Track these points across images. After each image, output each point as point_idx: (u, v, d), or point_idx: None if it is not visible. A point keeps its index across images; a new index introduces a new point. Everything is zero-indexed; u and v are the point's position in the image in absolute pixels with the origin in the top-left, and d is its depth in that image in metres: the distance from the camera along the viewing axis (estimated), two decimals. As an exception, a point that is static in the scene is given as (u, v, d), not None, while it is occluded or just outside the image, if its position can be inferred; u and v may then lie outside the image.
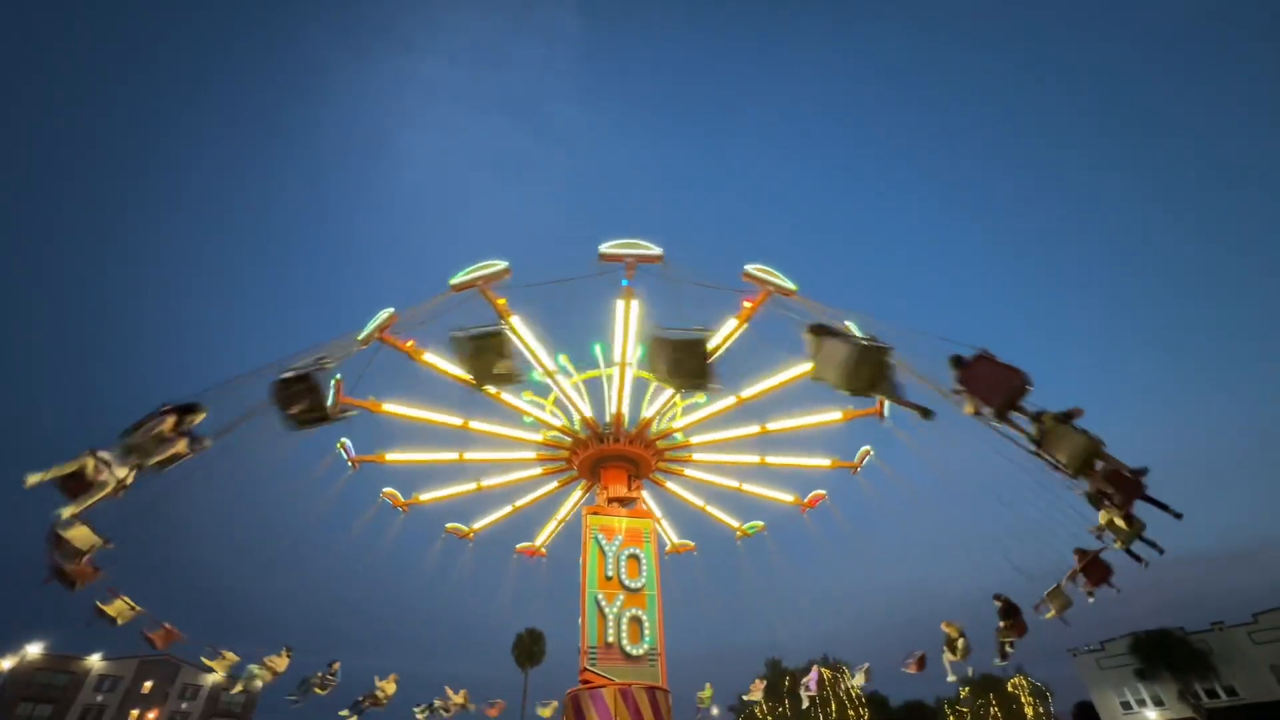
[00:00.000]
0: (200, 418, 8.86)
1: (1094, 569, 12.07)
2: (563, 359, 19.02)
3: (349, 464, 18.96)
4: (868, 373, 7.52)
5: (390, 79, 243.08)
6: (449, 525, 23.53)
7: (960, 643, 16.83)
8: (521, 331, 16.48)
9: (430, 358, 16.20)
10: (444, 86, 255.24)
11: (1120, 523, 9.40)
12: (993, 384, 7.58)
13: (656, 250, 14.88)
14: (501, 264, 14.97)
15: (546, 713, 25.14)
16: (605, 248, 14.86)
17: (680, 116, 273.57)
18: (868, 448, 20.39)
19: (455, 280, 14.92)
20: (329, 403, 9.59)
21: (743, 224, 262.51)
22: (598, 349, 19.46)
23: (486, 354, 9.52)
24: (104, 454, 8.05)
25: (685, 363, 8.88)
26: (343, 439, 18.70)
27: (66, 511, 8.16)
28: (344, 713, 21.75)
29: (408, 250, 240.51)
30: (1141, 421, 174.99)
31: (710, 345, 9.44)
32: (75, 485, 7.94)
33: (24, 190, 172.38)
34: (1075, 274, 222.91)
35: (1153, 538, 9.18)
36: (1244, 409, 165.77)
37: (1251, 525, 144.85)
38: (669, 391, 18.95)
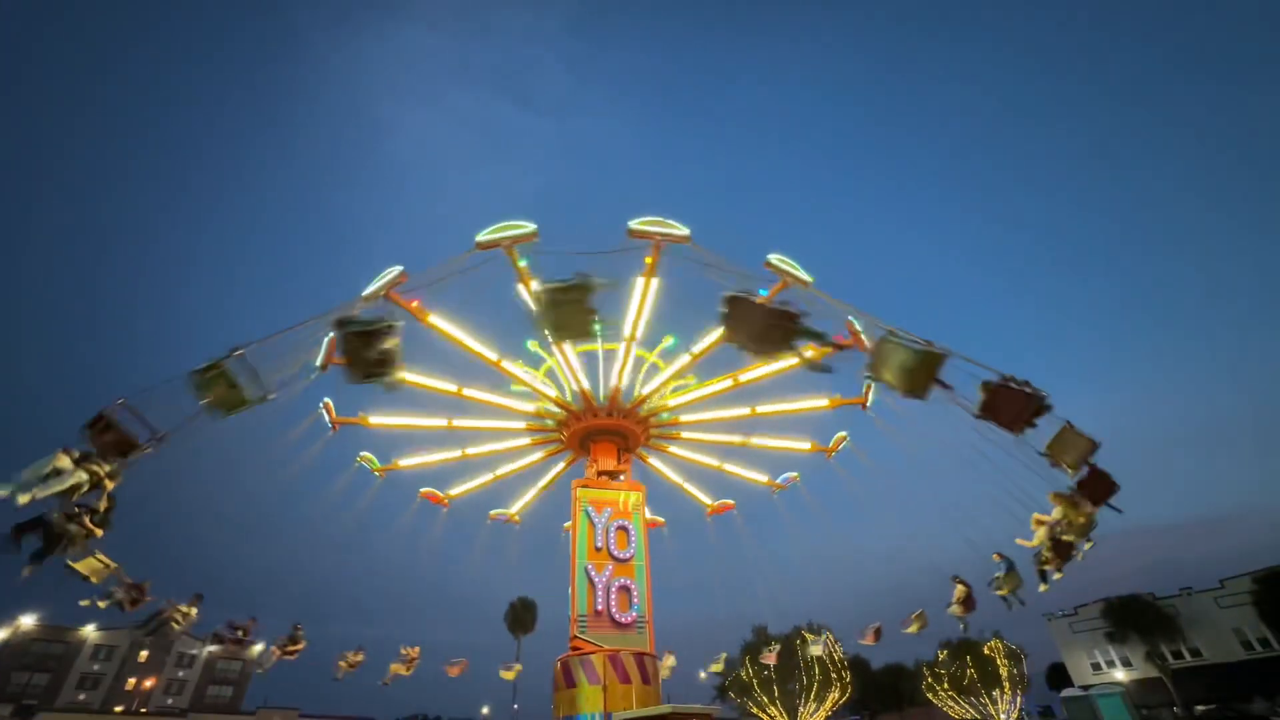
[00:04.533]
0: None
1: (1058, 548, 12.61)
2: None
3: (330, 425, 18.34)
4: (924, 376, 8.10)
5: (370, 45, 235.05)
6: (423, 490, 23.18)
7: (962, 595, 16.97)
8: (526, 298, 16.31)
9: (436, 320, 15.93)
10: (426, 54, 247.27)
11: (1074, 515, 10.41)
12: (1016, 410, 8.37)
13: (684, 231, 14.92)
14: (530, 226, 14.53)
15: (510, 675, 25.70)
16: (635, 224, 14.74)
17: (669, 91, 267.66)
18: (843, 434, 21.04)
19: (481, 237, 14.48)
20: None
21: (729, 200, 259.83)
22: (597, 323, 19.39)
23: (570, 307, 9.27)
24: (76, 452, 8.17)
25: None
26: (326, 399, 18.11)
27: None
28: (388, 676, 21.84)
29: (388, 222, 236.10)
30: (1116, 396, 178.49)
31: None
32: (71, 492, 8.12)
33: (3, 171, 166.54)
34: (1062, 252, 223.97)
35: (1117, 504, 9.69)
36: (1213, 385, 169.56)
37: (1220, 496, 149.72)
38: (667, 371, 19.24)
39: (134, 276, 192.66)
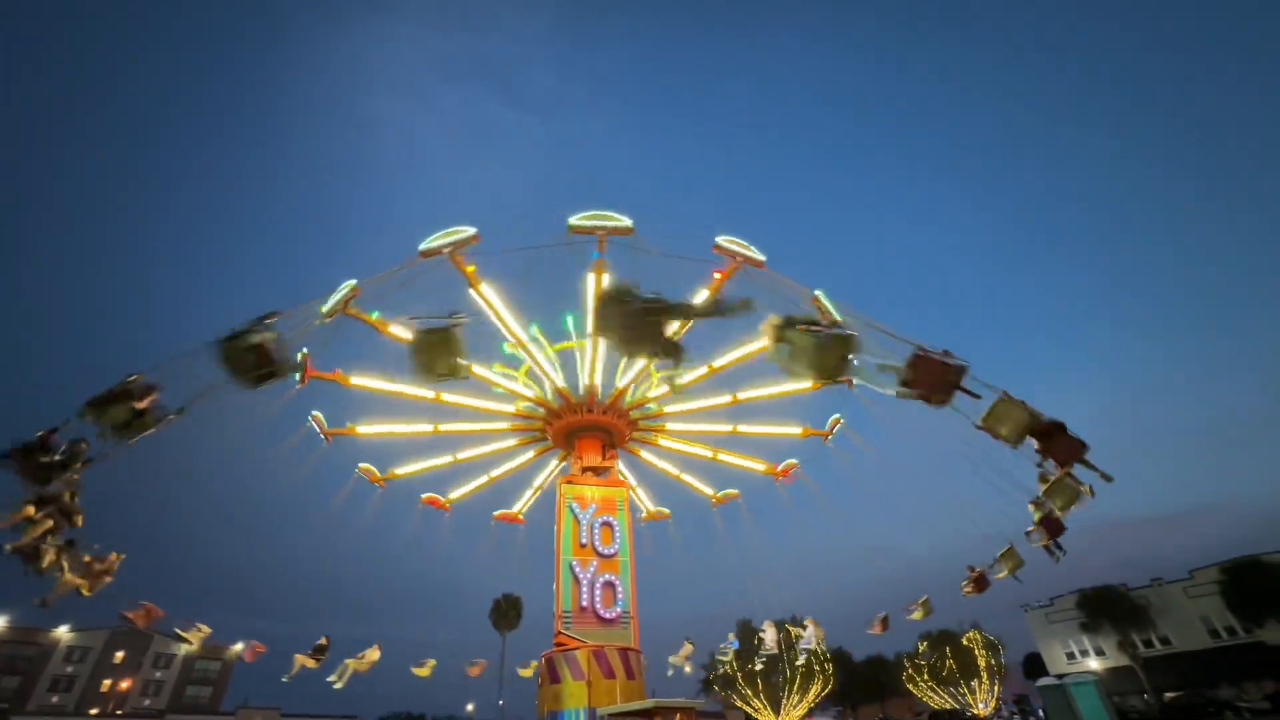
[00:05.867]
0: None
1: (1049, 525, 12.77)
2: (535, 330, 18.92)
3: (322, 437, 18.59)
4: (833, 361, 7.78)
5: (358, 40, 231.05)
6: (424, 496, 23.49)
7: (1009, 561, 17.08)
8: (491, 299, 16.29)
9: (397, 329, 15.92)
10: (415, 50, 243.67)
11: (1067, 481, 10.22)
12: (933, 380, 8.10)
13: (627, 222, 14.93)
14: (470, 230, 14.72)
15: (475, 671, 25.80)
16: (575, 219, 14.82)
17: (658, 89, 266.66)
18: (838, 416, 20.73)
19: (424, 246, 14.61)
20: (282, 359, 9.28)
21: (719, 197, 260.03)
22: (570, 320, 19.38)
23: (436, 348, 9.19)
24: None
25: (640, 328, 8.44)
26: (315, 412, 18.28)
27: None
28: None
29: (374, 218, 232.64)
30: (1091, 395, 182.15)
31: (669, 309, 9.22)
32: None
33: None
34: (1034, 251, 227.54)
35: (1091, 485, 9.85)
36: (1182, 383, 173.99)
37: (1190, 490, 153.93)
38: (642, 362, 19.10)
39: (110, 273, 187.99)
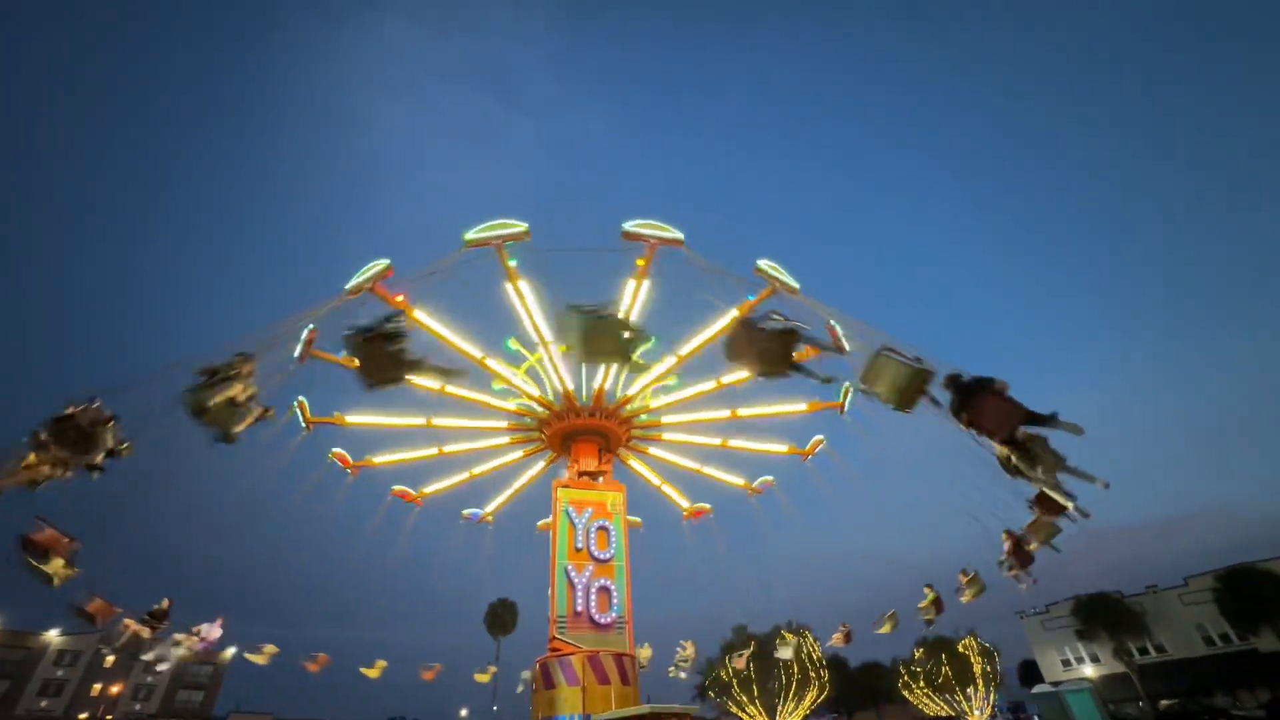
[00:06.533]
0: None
1: (1019, 555, 12.93)
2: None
3: (304, 425, 17.95)
4: (914, 393, 8.05)
5: (350, 40, 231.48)
6: (395, 488, 22.65)
7: (972, 587, 17.31)
8: (527, 297, 16.28)
9: (421, 315, 15.79)
10: (408, 49, 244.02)
11: (1043, 521, 10.59)
12: (1000, 418, 7.86)
13: (678, 234, 15.21)
14: (521, 225, 14.57)
15: (484, 678, 26.05)
16: (629, 226, 14.99)
17: (655, 91, 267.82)
18: (820, 437, 21.45)
19: (471, 235, 14.41)
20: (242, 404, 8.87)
21: (715, 198, 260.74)
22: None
23: (377, 355, 8.66)
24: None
25: (598, 338, 8.91)
26: (300, 397, 17.65)
27: None
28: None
29: (369, 221, 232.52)
30: (1090, 399, 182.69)
31: (620, 320, 9.32)
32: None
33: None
34: (1032, 250, 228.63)
35: (1085, 508, 9.73)
36: (1180, 388, 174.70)
37: (1186, 497, 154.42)
38: (653, 372, 19.34)
39: (102, 273, 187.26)
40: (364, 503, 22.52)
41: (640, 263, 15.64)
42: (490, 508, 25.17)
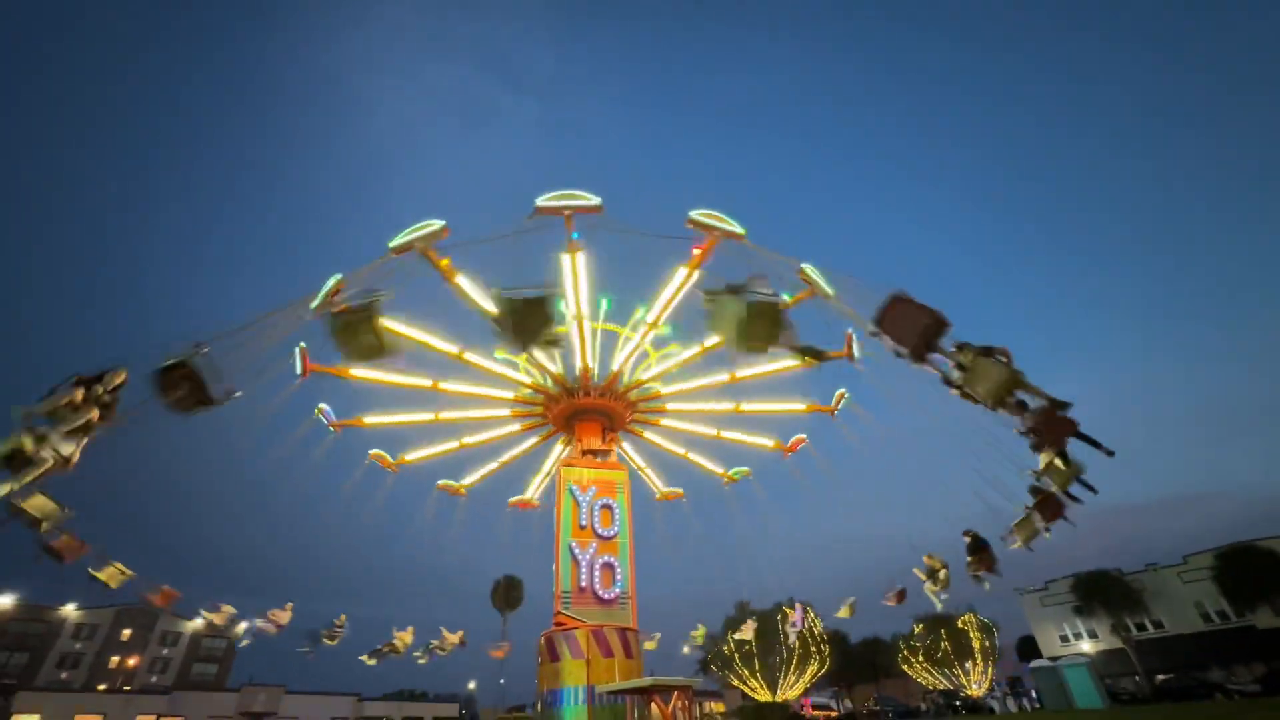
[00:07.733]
0: (119, 379, 8.56)
1: (1047, 506, 12.50)
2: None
3: (330, 428, 18.77)
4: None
5: (348, 17, 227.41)
6: (440, 483, 23.62)
7: (942, 574, 17.48)
8: (468, 290, 15.73)
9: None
10: (406, 27, 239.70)
11: (1059, 464, 9.44)
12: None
13: (595, 201, 14.32)
14: (438, 223, 14.12)
15: (499, 654, 26.80)
16: (542, 200, 14.26)
17: (656, 72, 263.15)
18: (843, 390, 20.42)
19: (393, 243, 14.05)
20: (216, 386, 8.99)
21: (716, 179, 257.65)
22: (562, 305, 19.23)
23: (353, 326, 8.88)
24: (42, 429, 7.77)
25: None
26: (321, 404, 18.42)
27: (3, 488, 7.81)
28: (364, 656, 22.80)
29: (368, 201, 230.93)
30: (1087, 380, 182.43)
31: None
32: (17, 462, 7.70)
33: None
34: (1038, 238, 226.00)
35: (1089, 480, 9.40)
36: (1177, 369, 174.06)
37: (1185, 476, 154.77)
38: (673, 359, 19.41)
39: (100, 258, 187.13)
40: (407, 494, 23.07)
41: (697, 251, 15.11)
42: (530, 492, 25.50)
